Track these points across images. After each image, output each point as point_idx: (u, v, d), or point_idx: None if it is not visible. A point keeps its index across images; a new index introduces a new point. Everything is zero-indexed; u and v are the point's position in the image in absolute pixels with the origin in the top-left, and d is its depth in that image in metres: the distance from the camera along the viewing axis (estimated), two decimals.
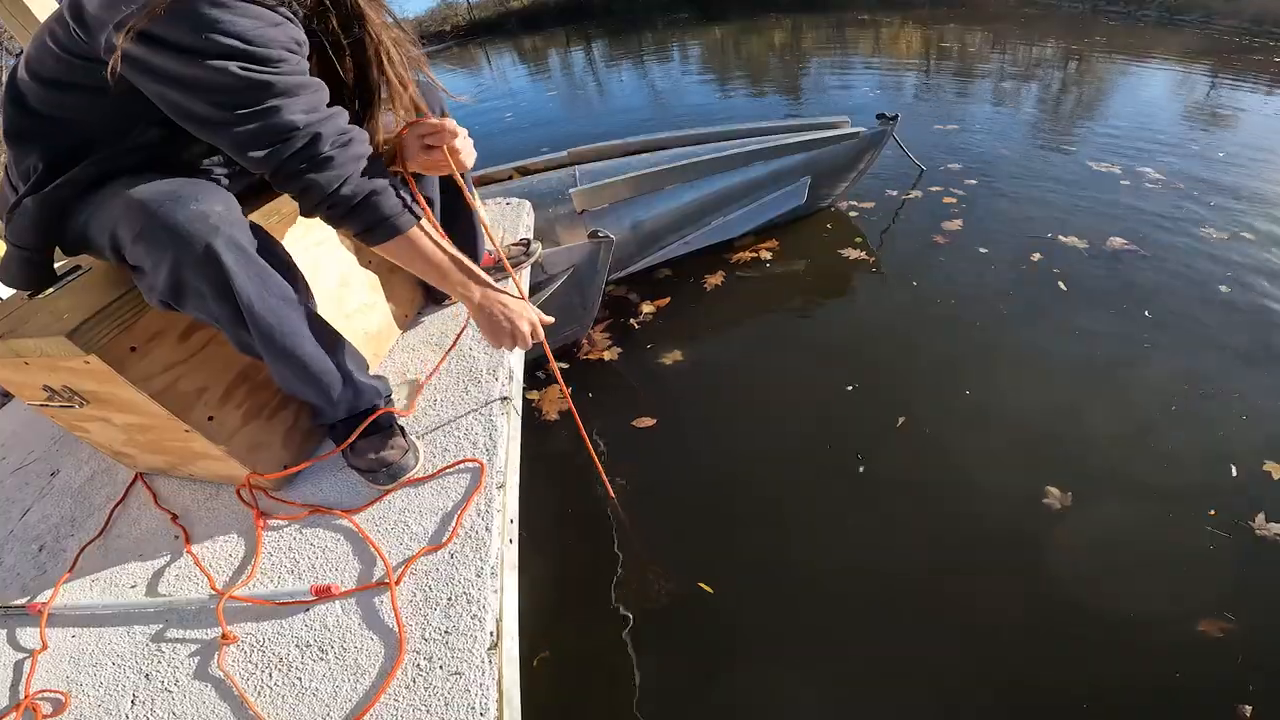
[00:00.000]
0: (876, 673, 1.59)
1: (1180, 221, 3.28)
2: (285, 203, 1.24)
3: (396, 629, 0.95)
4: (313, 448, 1.32)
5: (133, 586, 1.15)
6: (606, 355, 2.87)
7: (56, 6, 0.88)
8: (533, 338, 1.20)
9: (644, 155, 3.51)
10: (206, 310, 0.96)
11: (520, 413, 1.38)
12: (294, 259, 1.07)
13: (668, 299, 3.20)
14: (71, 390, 1.10)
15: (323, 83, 0.93)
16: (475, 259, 1.63)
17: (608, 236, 2.41)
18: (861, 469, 2.10)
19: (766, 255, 3.44)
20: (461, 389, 1.40)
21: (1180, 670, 1.48)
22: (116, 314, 0.98)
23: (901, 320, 2.85)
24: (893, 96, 6.03)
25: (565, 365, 2.81)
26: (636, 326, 3.04)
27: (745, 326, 3.03)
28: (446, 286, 1.11)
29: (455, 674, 0.88)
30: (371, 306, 1.50)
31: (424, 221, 1.06)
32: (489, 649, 0.90)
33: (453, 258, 1.10)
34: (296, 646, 0.97)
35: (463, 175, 1.55)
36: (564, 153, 3.62)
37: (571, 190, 3.04)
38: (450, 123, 1.13)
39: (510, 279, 1.41)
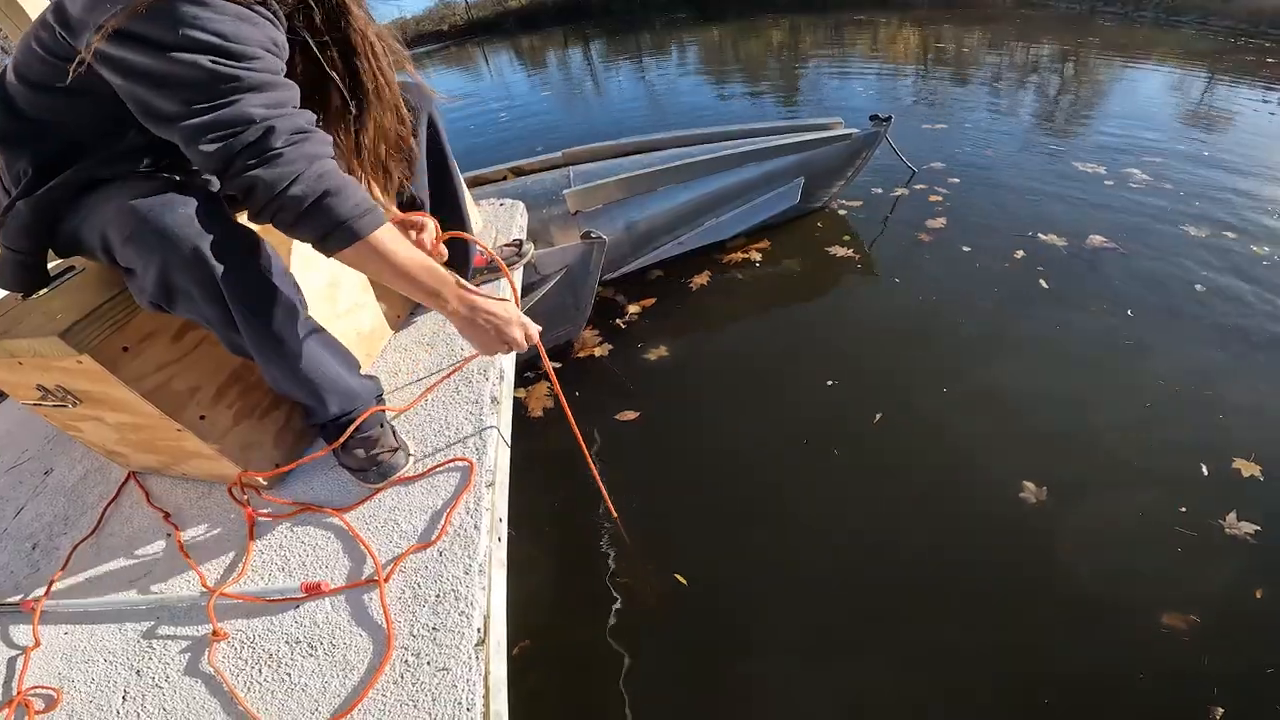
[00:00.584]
0: (846, 660, 1.62)
1: (1160, 221, 3.33)
2: None
3: (385, 626, 0.96)
4: (304, 447, 1.33)
5: (125, 584, 1.17)
6: (597, 352, 2.90)
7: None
8: (527, 341, 1.15)
9: (638, 156, 3.53)
10: (196, 312, 0.97)
11: (510, 412, 1.39)
12: (285, 259, 1.08)
13: (655, 298, 3.24)
14: (65, 390, 1.11)
15: (294, 85, 0.90)
16: (466, 261, 1.65)
17: (600, 237, 2.43)
18: (838, 462, 2.14)
19: (756, 254, 3.47)
20: (452, 389, 1.41)
21: (1147, 668, 1.50)
22: (109, 314, 0.99)
23: (884, 317, 2.90)
24: (886, 97, 6.06)
25: (558, 365, 2.82)
26: (623, 325, 3.07)
27: (730, 323, 3.07)
28: (417, 295, 1.02)
29: (442, 670, 0.90)
30: (363, 306, 1.51)
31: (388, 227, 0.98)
32: (476, 645, 0.92)
33: (424, 265, 1.01)
34: (286, 643, 0.99)
35: (454, 176, 1.58)
36: (558, 153, 3.63)
37: (565, 191, 3.05)
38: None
39: (504, 279, 1.42)
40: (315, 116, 0.93)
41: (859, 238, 3.56)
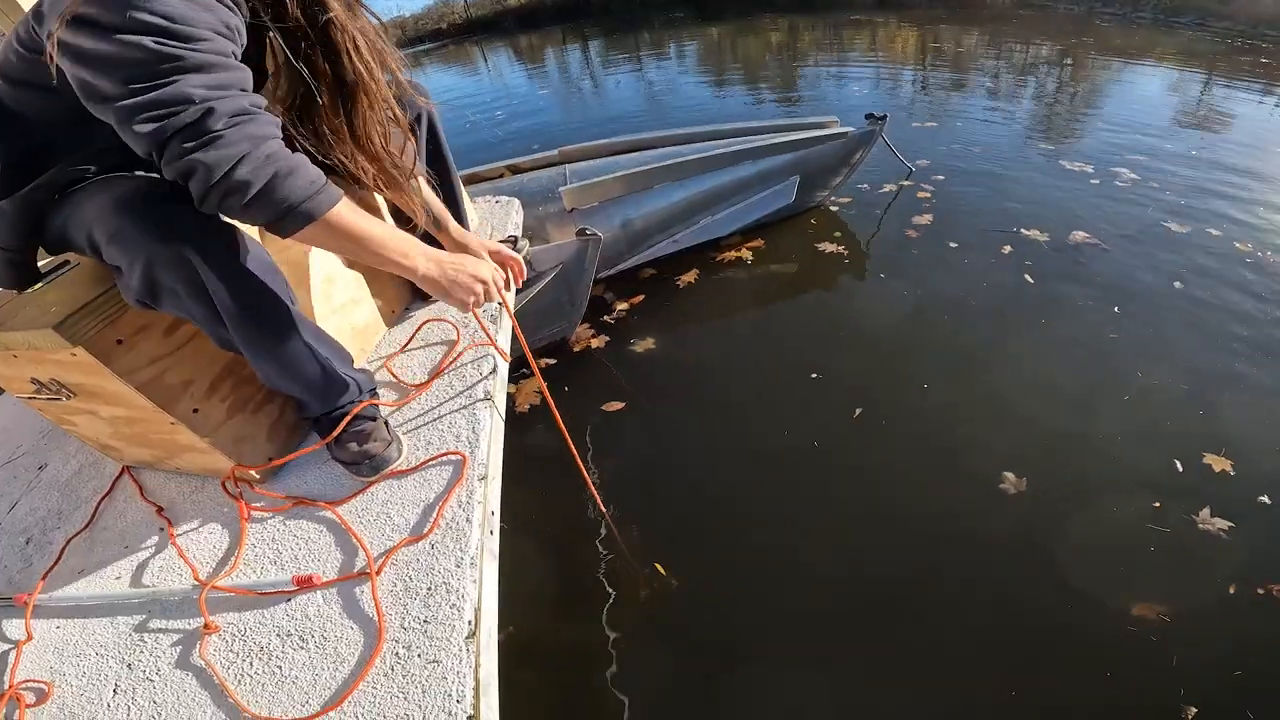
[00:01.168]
0: (820, 652, 1.65)
1: (1144, 218, 3.37)
2: None
3: (376, 618, 0.96)
4: (298, 441, 1.33)
5: (117, 578, 1.17)
6: (594, 343, 2.94)
7: None
8: (507, 288, 1.15)
9: (634, 154, 3.53)
10: (183, 309, 0.96)
11: (504, 407, 1.40)
12: (275, 255, 1.08)
13: (646, 294, 3.27)
14: (59, 383, 1.11)
15: (245, 68, 0.86)
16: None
17: (595, 234, 2.43)
18: (818, 452, 2.19)
19: (748, 252, 3.50)
20: (446, 383, 1.41)
21: (1120, 665, 1.51)
22: (103, 308, 0.99)
23: (868, 312, 2.95)
24: (881, 96, 6.09)
25: (553, 361, 2.84)
26: (613, 321, 3.10)
27: (719, 317, 3.12)
28: (384, 265, 1.01)
29: (433, 662, 0.90)
30: (358, 302, 1.52)
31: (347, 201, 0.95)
32: (467, 637, 0.92)
33: (387, 232, 0.99)
34: (277, 635, 0.99)
35: (452, 174, 1.58)
36: (554, 151, 3.64)
37: (562, 188, 3.06)
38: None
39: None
40: (265, 101, 0.89)
41: (848, 234, 3.60)
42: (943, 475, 2.03)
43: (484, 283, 1.10)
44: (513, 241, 1.85)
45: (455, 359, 1.48)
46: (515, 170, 3.55)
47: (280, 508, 1.20)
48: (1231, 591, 1.61)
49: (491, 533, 1.11)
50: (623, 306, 3.18)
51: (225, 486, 1.25)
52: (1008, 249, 3.19)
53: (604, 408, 2.51)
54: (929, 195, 3.86)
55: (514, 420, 2.48)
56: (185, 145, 0.78)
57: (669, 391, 2.63)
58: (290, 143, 0.97)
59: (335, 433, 1.20)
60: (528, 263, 2.43)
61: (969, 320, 2.75)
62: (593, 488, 1.81)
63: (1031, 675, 1.51)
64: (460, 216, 1.62)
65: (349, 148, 1.12)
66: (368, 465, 1.19)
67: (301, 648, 0.96)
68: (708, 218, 3.40)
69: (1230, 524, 1.75)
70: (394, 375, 1.47)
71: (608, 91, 8.44)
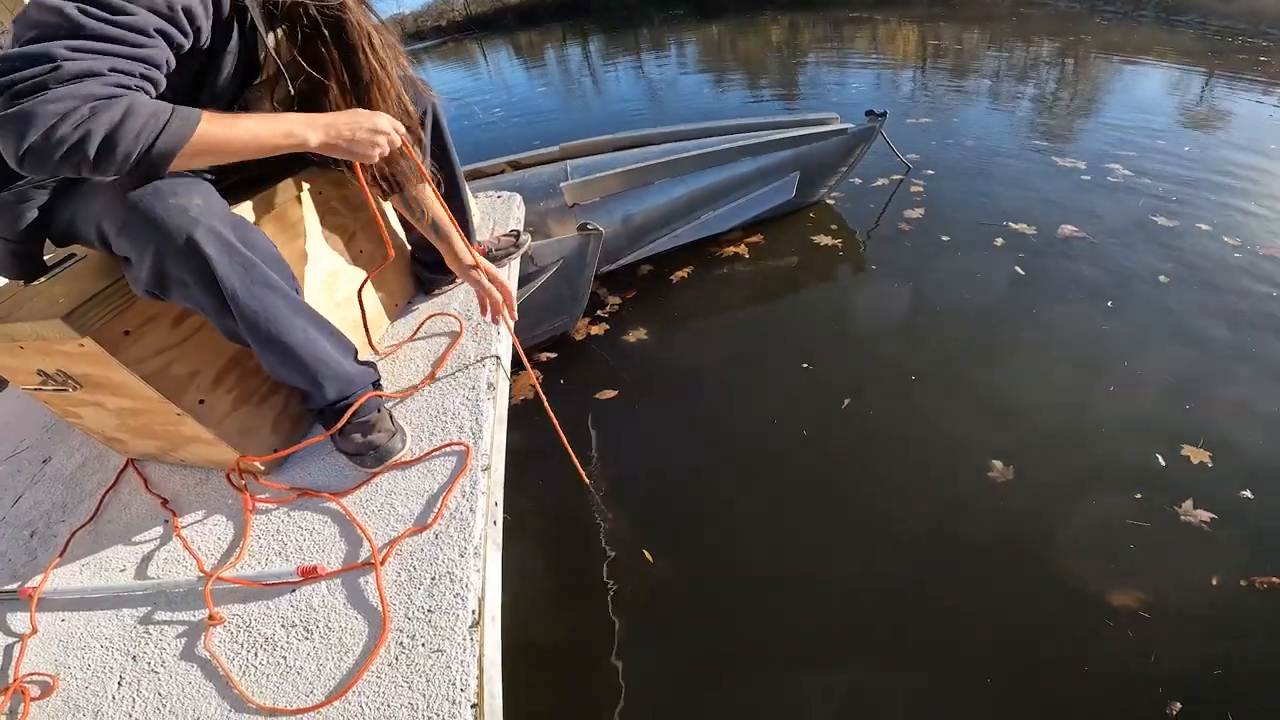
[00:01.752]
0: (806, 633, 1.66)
1: (1133, 212, 3.39)
2: (275, 193, 1.26)
3: (380, 608, 0.97)
4: (302, 433, 1.34)
5: (122, 570, 1.17)
6: (593, 330, 2.98)
7: None
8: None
9: (635, 150, 3.53)
10: (191, 299, 0.97)
11: (506, 397, 1.40)
12: (281, 249, 1.09)
13: (642, 287, 3.30)
14: (65, 374, 1.11)
15: (158, 44, 0.83)
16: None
17: (597, 229, 2.43)
18: (807, 441, 2.21)
19: (746, 248, 3.52)
20: (449, 374, 1.42)
21: (1104, 660, 1.51)
22: (111, 299, 1.00)
23: (859, 303, 3.00)
24: (877, 93, 6.09)
25: (553, 355, 2.85)
26: (608, 314, 3.13)
27: (714, 309, 3.14)
28: (272, 153, 0.97)
29: (437, 651, 0.90)
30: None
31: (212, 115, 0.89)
32: (470, 626, 0.92)
33: (262, 123, 0.95)
34: (282, 626, 0.99)
35: (455, 170, 1.58)
36: (555, 147, 3.64)
37: (563, 184, 3.06)
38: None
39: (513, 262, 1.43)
40: (159, 76, 0.85)
41: (844, 228, 3.63)
42: (930, 462, 2.06)
43: (384, 133, 1.08)
44: (515, 236, 1.86)
45: (458, 351, 1.48)
46: (516, 166, 3.55)
47: (284, 499, 1.20)
48: (1214, 583, 1.63)
49: (495, 523, 1.11)
50: (617, 300, 3.21)
51: (230, 478, 1.25)
52: (1000, 241, 3.23)
53: (598, 396, 2.55)
54: (921, 190, 3.89)
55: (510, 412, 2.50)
56: (10, 103, 0.72)
57: (662, 381, 2.67)
58: None
59: (340, 424, 1.20)
60: (530, 258, 2.43)
61: (960, 312, 2.78)
62: (585, 478, 1.85)
63: (1014, 668, 1.52)
64: (464, 211, 1.62)
65: None
66: (372, 456, 1.19)
67: (306, 638, 0.97)
68: (708, 213, 3.40)
69: (1213, 515, 1.76)
70: (397, 367, 1.48)
71: (608, 89, 8.44)
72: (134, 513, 1.29)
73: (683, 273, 3.35)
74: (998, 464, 1.98)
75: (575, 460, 1.67)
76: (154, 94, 0.84)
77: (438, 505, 1.10)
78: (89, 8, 0.76)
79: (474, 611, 0.94)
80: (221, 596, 1.06)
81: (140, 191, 0.89)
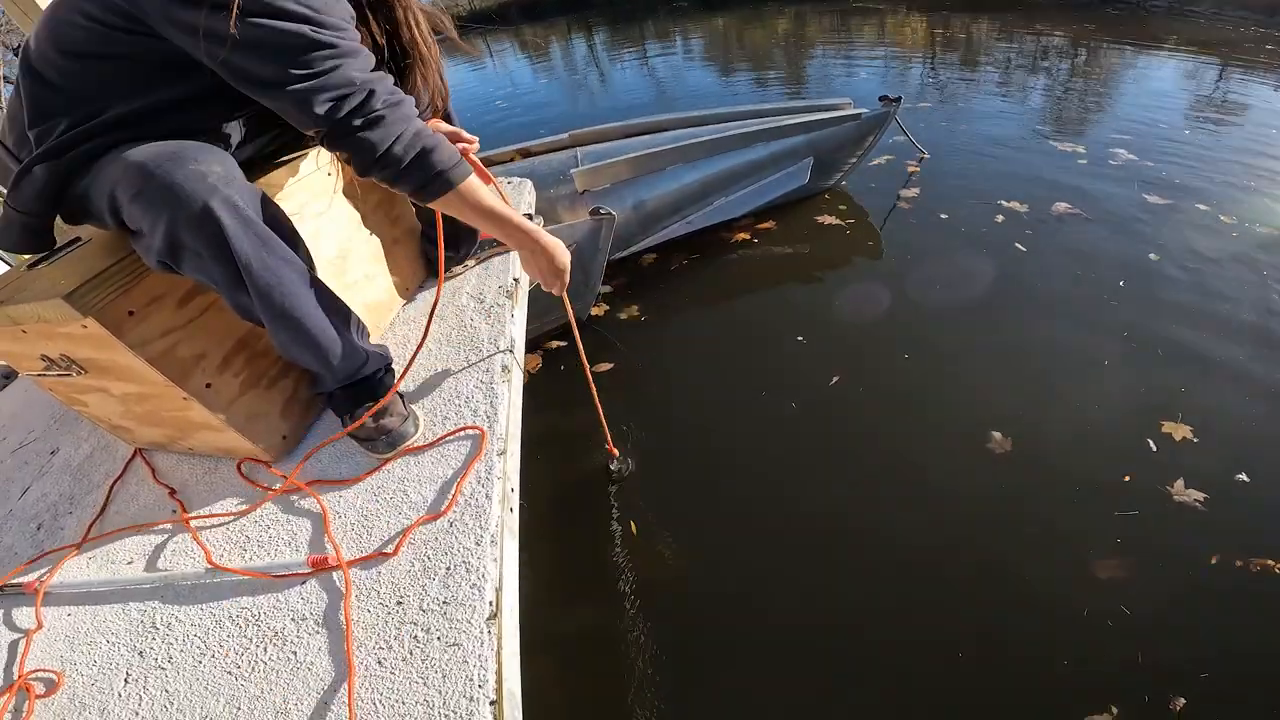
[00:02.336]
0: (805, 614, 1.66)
1: (1129, 192, 3.40)
2: (289, 170, 1.23)
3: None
4: (311, 418, 1.30)
5: (129, 563, 1.14)
6: (594, 312, 3.01)
7: None
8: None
9: (646, 137, 3.49)
10: (204, 271, 0.94)
11: (521, 379, 1.36)
12: (296, 227, 1.05)
13: (647, 272, 3.31)
14: (69, 359, 1.08)
15: (371, 53, 0.97)
16: (475, 231, 1.63)
17: (609, 213, 2.38)
18: (795, 414, 2.26)
19: (758, 231, 3.52)
20: (462, 356, 1.38)
21: (1104, 647, 1.49)
22: (114, 278, 0.97)
23: (855, 279, 3.03)
24: (887, 83, 6.01)
25: (564, 343, 2.80)
26: (613, 294, 3.16)
27: (720, 291, 3.15)
28: (503, 234, 1.16)
29: (453, 645, 0.86)
30: (373, 278, 1.48)
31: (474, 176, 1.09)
32: (488, 619, 0.88)
33: (500, 204, 1.13)
34: (292, 620, 0.96)
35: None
36: (565, 135, 3.59)
37: (573, 170, 3.02)
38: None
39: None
40: (394, 79, 1.03)
41: (853, 207, 3.65)
42: (929, 434, 2.09)
43: (565, 272, 1.24)
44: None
45: (471, 333, 1.44)
46: (526, 154, 3.51)
47: (294, 487, 1.16)
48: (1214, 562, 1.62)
49: (512, 509, 1.07)
50: (624, 280, 3.25)
51: (239, 467, 1.22)
52: (1000, 218, 3.28)
53: (595, 369, 2.52)
54: (916, 170, 3.95)
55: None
56: (354, 124, 0.92)
57: (662, 355, 2.74)
58: None
59: (366, 416, 1.16)
60: None
61: (952, 286, 2.83)
62: (613, 448, 1.96)
63: (1011, 657, 1.50)
64: None
65: None
66: (384, 441, 1.16)
67: (316, 632, 0.93)
68: (721, 199, 3.35)
69: (1205, 495, 1.76)
70: (408, 350, 1.43)
71: (613, 82, 8.36)
72: (142, 503, 1.26)
73: (691, 253, 3.35)
74: (997, 435, 2.00)
75: (605, 427, 1.74)
76: None
77: (452, 492, 1.06)
78: (329, 31, 0.89)
79: (491, 603, 0.90)
80: (230, 589, 1.03)
81: (157, 158, 0.87)
